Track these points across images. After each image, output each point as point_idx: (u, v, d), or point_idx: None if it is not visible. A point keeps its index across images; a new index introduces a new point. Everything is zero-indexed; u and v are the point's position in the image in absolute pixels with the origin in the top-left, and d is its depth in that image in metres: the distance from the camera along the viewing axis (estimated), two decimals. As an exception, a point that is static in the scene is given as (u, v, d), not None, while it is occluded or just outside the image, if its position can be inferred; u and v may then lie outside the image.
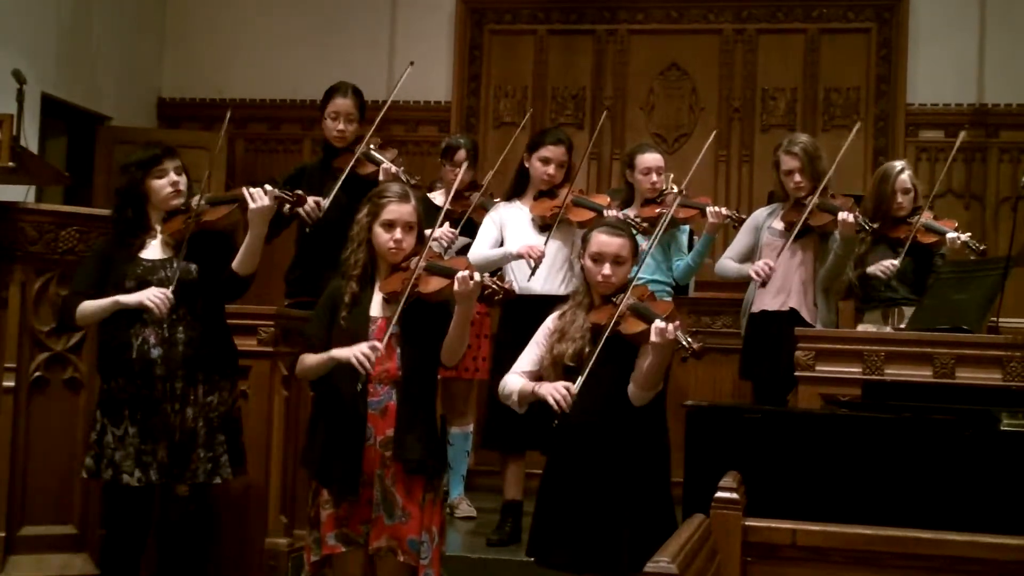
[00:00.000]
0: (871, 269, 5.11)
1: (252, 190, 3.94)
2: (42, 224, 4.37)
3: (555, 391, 3.55)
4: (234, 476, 4.06)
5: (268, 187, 3.97)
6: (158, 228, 4.03)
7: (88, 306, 3.91)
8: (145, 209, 4.03)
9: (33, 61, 6.81)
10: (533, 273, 4.75)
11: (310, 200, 4.84)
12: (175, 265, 3.92)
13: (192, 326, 3.94)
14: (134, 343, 3.88)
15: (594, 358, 3.56)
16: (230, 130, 8.50)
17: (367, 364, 3.46)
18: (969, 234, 5.14)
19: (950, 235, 5.07)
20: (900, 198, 5.19)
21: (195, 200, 4.00)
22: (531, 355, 3.78)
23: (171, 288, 3.83)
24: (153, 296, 3.79)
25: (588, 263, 3.71)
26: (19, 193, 5.81)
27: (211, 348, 3.98)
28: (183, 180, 4.04)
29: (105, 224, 4.26)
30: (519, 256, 4.81)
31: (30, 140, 6.05)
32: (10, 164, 4.63)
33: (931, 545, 2.76)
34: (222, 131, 4.43)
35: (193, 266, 3.97)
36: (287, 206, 4.12)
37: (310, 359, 3.65)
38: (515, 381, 3.75)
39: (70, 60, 7.63)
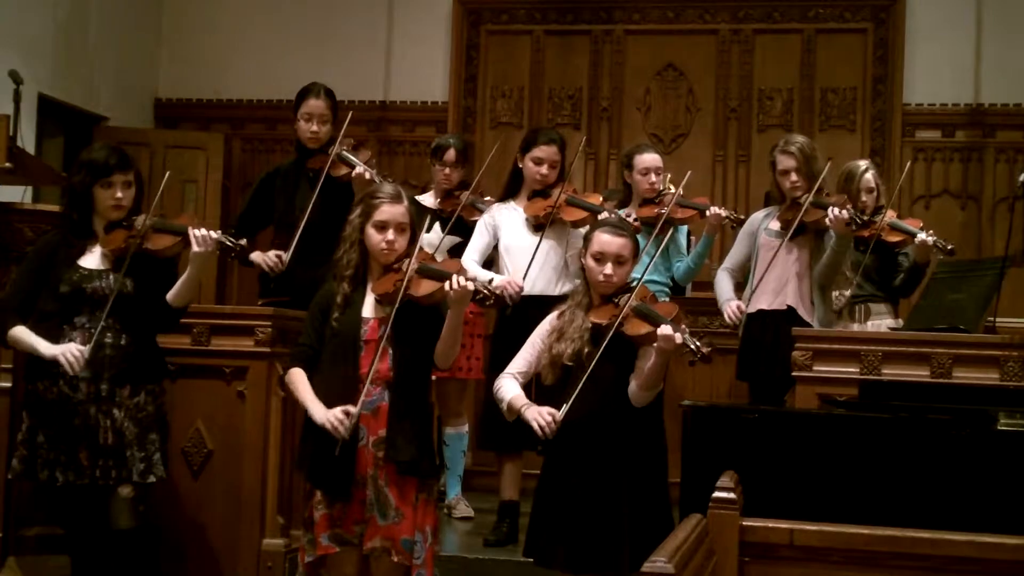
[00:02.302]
0: None
1: (197, 233, 3.90)
2: (39, 225, 4.36)
3: (540, 417, 3.53)
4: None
5: (214, 233, 3.92)
6: (100, 235, 4.01)
7: (16, 333, 3.91)
8: (91, 214, 4.01)
9: (30, 61, 6.80)
10: (508, 310, 4.74)
11: (271, 255, 4.94)
12: (111, 279, 3.93)
13: (120, 335, 3.94)
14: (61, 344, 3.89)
15: (593, 363, 3.55)
16: (226, 129, 8.62)
17: (340, 430, 3.46)
18: (931, 230, 5.16)
19: (920, 237, 5.08)
20: (864, 197, 5.27)
21: (141, 220, 3.98)
22: (526, 355, 3.76)
23: (89, 348, 3.82)
24: (69, 354, 3.80)
25: (589, 262, 3.69)
26: (16, 194, 5.80)
27: (138, 357, 3.97)
28: (128, 195, 4.00)
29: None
30: (497, 288, 4.70)
31: (27, 141, 6.05)
32: (7, 165, 4.64)
33: (929, 545, 2.76)
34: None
35: (129, 281, 3.95)
36: (231, 254, 4.08)
37: (297, 386, 3.63)
38: (509, 388, 3.72)
39: (67, 60, 7.63)
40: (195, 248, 3.90)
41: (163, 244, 3.97)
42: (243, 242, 4.06)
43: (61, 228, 4.07)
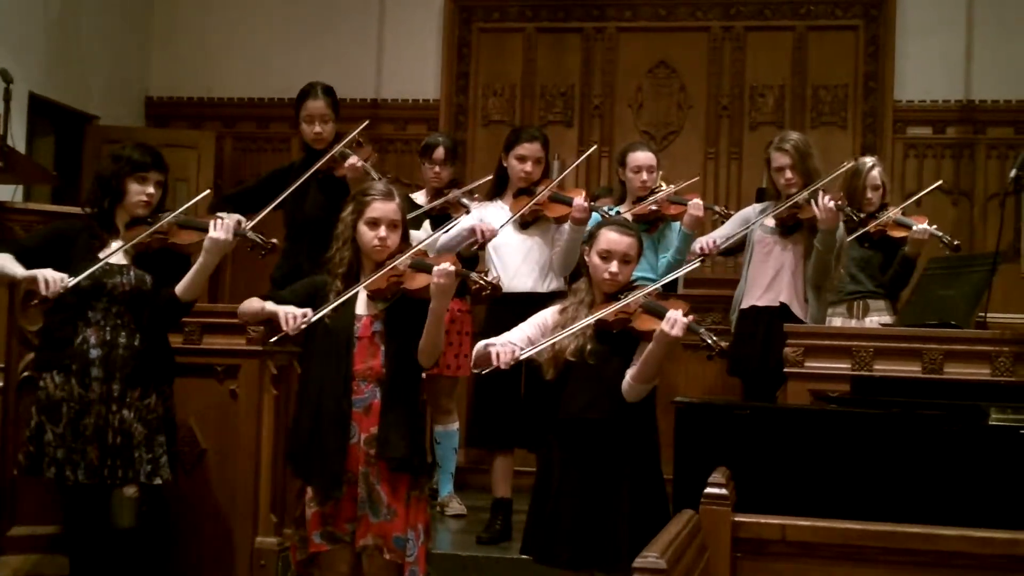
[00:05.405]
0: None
1: (220, 220, 3.92)
2: (30, 224, 4.36)
3: (501, 348, 3.52)
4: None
5: (239, 219, 3.93)
6: (121, 230, 4.03)
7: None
8: (116, 206, 4.02)
9: (21, 60, 6.78)
10: (481, 247, 4.82)
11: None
12: (131, 275, 3.95)
13: (134, 333, 3.95)
14: (74, 341, 3.89)
15: (557, 337, 3.55)
16: (218, 127, 8.61)
17: (290, 322, 3.50)
18: (935, 225, 5.15)
19: (916, 227, 5.09)
20: (870, 194, 5.30)
21: (164, 216, 4.00)
22: (519, 334, 3.69)
23: (74, 283, 3.81)
24: (48, 275, 3.79)
25: (595, 260, 3.67)
26: (7, 193, 5.80)
27: (150, 356, 3.98)
28: (157, 195, 4.04)
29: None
30: (472, 231, 4.81)
31: (17, 139, 6.04)
32: (-2, 164, 4.62)
33: (920, 540, 2.77)
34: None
35: (148, 277, 3.98)
36: (261, 253, 4.06)
37: (253, 303, 3.66)
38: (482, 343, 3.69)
39: (58, 59, 7.61)
40: (212, 232, 3.89)
41: (189, 239, 4.00)
42: (273, 241, 4.07)
43: (86, 218, 4.06)
